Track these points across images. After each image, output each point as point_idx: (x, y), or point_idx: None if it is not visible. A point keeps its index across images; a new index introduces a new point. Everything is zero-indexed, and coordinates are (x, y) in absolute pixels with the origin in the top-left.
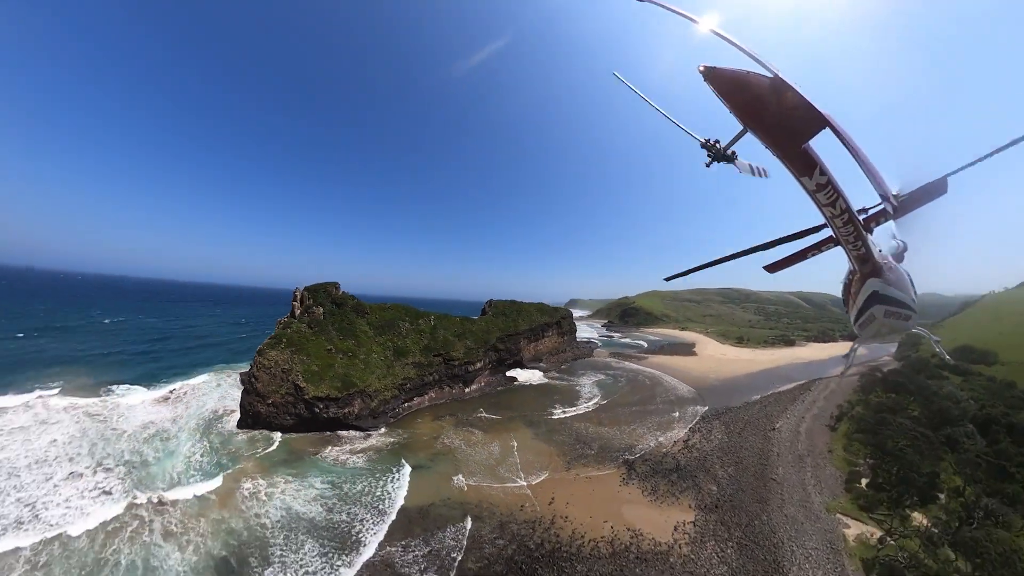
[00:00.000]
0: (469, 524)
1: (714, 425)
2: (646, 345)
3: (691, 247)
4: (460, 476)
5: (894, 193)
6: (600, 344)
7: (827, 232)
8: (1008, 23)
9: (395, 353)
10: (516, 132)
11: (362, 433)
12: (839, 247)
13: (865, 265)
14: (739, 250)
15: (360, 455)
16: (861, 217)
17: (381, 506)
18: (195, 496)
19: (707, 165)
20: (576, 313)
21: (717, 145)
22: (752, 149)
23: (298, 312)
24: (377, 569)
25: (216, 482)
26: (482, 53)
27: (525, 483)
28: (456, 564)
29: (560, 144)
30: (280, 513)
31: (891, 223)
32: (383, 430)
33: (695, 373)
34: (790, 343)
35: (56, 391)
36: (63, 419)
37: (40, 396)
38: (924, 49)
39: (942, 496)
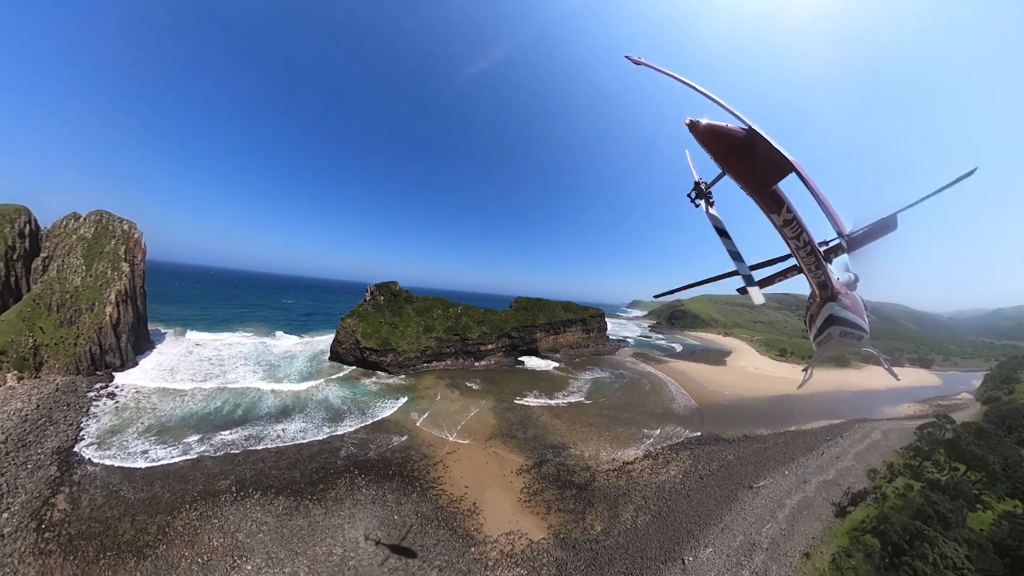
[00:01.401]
0: (395, 440)
1: (682, 457)
2: (678, 349)
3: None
4: (423, 416)
5: (849, 231)
6: (632, 343)
7: (793, 261)
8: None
9: (424, 329)
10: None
11: (388, 375)
12: (801, 274)
13: (824, 291)
14: (722, 272)
15: (380, 386)
16: (821, 249)
17: (368, 412)
18: (291, 387)
19: (691, 199)
20: (633, 313)
21: (702, 185)
22: (729, 189)
23: (368, 299)
24: (336, 436)
25: (306, 383)
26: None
27: (450, 437)
28: (368, 452)
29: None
30: (321, 398)
31: (845, 256)
32: (402, 376)
33: (710, 387)
34: (843, 363)
35: (251, 333)
36: (247, 344)
37: (242, 334)
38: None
39: None
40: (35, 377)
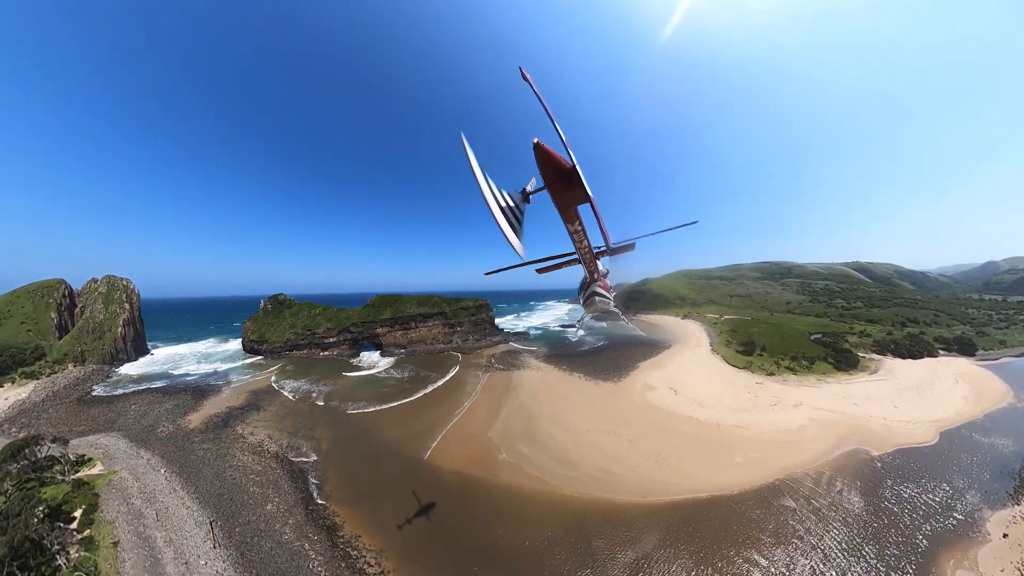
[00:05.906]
0: (217, 384)
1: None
2: (585, 347)
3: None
4: (243, 379)
5: (612, 245)
6: (532, 336)
7: (575, 256)
8: None
9: (290, 326)
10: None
11: (263, 358)
12: (580, 265)
13: (593, 276)
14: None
15: (250, 364)
16: (594, 251)
17: (227, 375)
18: (209, 366)
19: (521, 195)
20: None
21: (527, 189)
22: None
23: (262, 307)
24: (205, 383)
25: (217, 363)
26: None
27: (229, 387)
28: (203, 386)
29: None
30: (214, 369)
31: (607, 258)
32: (268, 359)
33: (470, 446)
34: (848, 363)
35: (212, 341)
36: (204, 347)
37: (205, 342)
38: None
39: None
40: (82, 365)
